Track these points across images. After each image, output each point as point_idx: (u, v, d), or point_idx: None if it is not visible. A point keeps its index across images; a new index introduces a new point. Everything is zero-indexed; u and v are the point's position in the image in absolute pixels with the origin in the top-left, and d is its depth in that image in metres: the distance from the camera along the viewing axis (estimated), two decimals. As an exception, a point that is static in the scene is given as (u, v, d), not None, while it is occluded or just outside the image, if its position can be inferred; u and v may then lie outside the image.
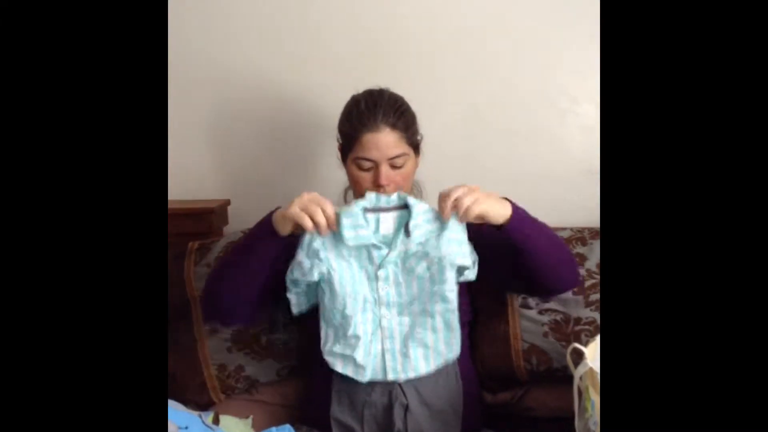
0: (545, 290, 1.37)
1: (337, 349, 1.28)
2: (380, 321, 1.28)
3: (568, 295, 1.45)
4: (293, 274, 1.28)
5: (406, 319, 1.29)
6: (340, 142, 1.41)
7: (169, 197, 1.79)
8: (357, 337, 1.26)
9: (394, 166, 1.34)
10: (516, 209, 1.25)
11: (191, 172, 1.81)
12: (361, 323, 1.27)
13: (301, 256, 1.26)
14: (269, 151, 1.79)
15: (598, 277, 1.43)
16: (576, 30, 1.65)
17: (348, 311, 1.26)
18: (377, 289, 1.28)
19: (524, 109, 1.71)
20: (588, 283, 1.44)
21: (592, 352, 1.04)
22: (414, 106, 1.40)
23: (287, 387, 1.49)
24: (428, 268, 1.27)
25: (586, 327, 1.40)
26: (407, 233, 1.25)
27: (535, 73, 1.70)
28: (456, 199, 1.21)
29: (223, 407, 1.42)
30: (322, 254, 1.26)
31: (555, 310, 1.43)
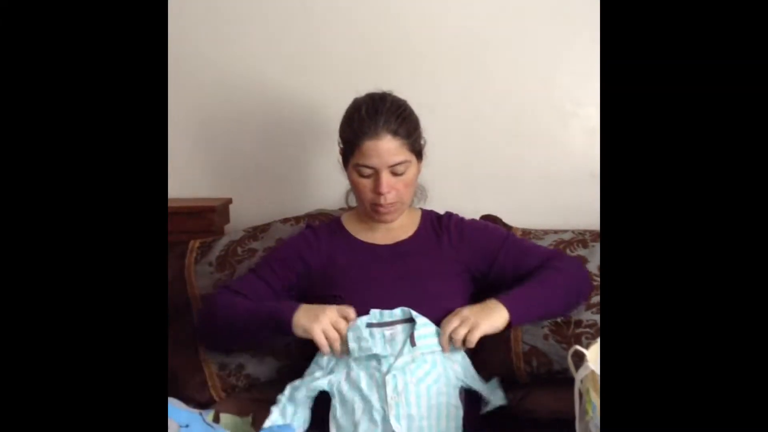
0: None
1: None
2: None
3: (569, 297, 1.45)
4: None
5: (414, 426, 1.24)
6: (341, 146, 1.40)
7: (171, 195, 1.79)
8: None
9: (395, 173, 1.33)
10: (513, 309, 1.28)
11: (193, 171, 1.81)
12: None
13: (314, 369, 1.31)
14: (271, 150, 1.79)
15: (599, 280, 1.43)
16: (578, 33, 1.65)
17: (357, 417, 1.24)
18: (386, 398, 1.23)
19: (527, 111, 1.71)
20: (589, 286, 1.44)
21: (594, 355, 1.04)
22: (415, 109, 1.39)
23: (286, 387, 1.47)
24: (436, 381, 1.26)
25: (587, 330, 1.40)
26: (413, 343, 1.25)
27: (537, 76, 1.70)
28: (452, 333, 1.25)
29: (223, 405, 1.42)
30: (333, 367, 1.29)
31: (556, 312, 1.43)
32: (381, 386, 1.24)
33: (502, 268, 1.39)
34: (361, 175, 1.34)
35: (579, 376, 1.04)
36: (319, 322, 1.24)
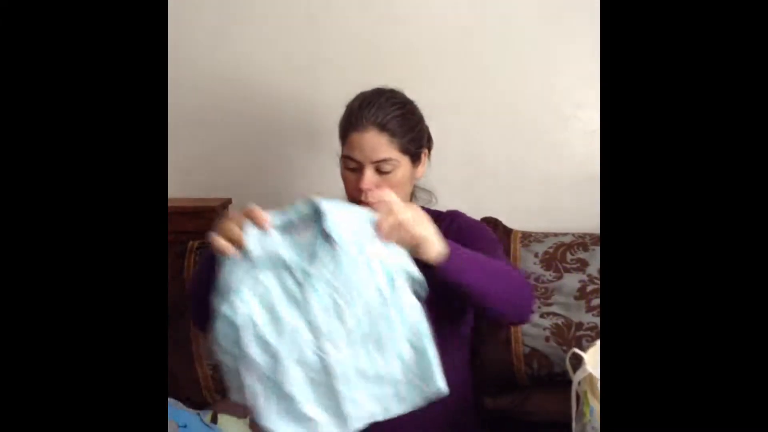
0: (490, 320, 1.37)
1: (275, 409, 1.00)
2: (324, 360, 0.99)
3: (570, 299, 1.45)
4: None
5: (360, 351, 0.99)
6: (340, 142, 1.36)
7: (171, 195, 1.79)
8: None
9: (379, 171, 1.26)
10: (453, 253, 1.07)
11: (193, 171, 1.81)
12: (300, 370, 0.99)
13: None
14: (271, 150, 1.80)
15: (600, 282, 1.42)
16: (580, 35, 1.65)
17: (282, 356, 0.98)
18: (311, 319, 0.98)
19: (527, 114, 1.71)
20: (589, 288, 1.44)
21: (592, 358, 1.04)
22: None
23: None
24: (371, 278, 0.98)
25: (588, 332, 1.40)
26: (326, 239, 0.97)
27: (537, 79, 1.69)
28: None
29: (221, 406, 1.42)
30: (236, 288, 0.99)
31: (557, 315, 1.43)
32: (303, 304, 0.98)
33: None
34: (347, 168, 1.29)
35: (576, 378, 1.04)
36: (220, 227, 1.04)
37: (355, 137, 1.26)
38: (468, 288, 1.10)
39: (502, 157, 1.72)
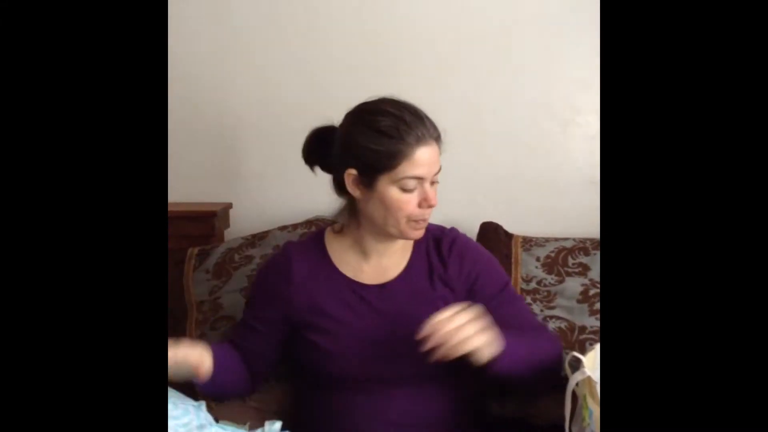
0: None
1: None
2: None
3: (573, 303, 1.45)
4: None
5: None
6: (364, 163, 1.20)
7: (172, 200, 1.79)
8: None
9: (433, 183, 1.22)
10: (507, 351, 1.13)
11: (194, 175, 1.81)
12: None
13: None
14: (272, 154, 1.79)
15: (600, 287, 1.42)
16: (579, 40, 1.65)
17: None
18: None
19: (527, 118, 1.71)
20: (592, 292, 1.44)
21: (591, 361, 1.04)
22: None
23: (280, 394, 1.44)
24: None
25: (591, 336, 1.40)
26: None
27: (538, 83, 1.70)
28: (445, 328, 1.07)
29: (217, 412, 1.41)
30: None
31: (560, 318, 1.43)
32: None
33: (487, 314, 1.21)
34: (405, 190, 1.19)
35: (573, 380, 1.03)
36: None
37: (424, 153, 1.18)
38: (511, 380, 1.21)
39: (502, 162, 1.72)
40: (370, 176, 1.20)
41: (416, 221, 1.22)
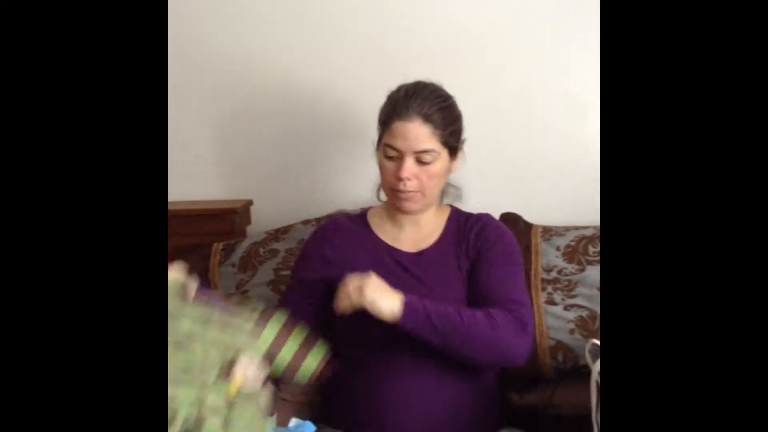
0: None
1: None
2: None
3: (594, 291, 1.44)
4: None
5: None
6: (378, 128, 1.36)
7: (193, 198, 1.81)
8: None
9: (420, 161, 1.29)
10: (407, 313, 1.22)
11: (214, 173, 1.83)
12: None
13: None
14: (291, 151, 1.80)
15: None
16: (595, 27, 1.63)
17: None
18: None
19: (544, 105, 1.70)
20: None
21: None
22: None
23: (310, 385, 1.43)
24: None
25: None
26: None
27: (555, 70, 1.68)
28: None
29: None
30: None
31: (581, 306, 1.43)
32: None
33: (472, 272, 1.34)
34: (387, 156, 1.31)
35: (596, 369, 1.04)
36: None
37: (399, 126, 1.28)
38: (426, 342, 1.23)
39: (520, 150, 1.71)
40: (378, 142, 1.35)
41: (395, 191, 1.32)
